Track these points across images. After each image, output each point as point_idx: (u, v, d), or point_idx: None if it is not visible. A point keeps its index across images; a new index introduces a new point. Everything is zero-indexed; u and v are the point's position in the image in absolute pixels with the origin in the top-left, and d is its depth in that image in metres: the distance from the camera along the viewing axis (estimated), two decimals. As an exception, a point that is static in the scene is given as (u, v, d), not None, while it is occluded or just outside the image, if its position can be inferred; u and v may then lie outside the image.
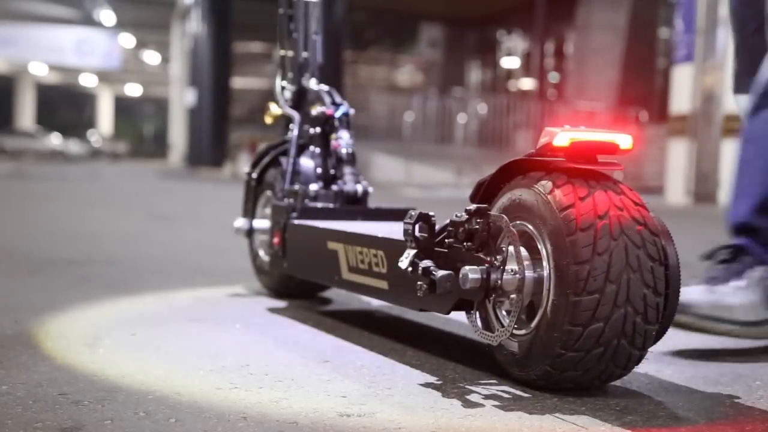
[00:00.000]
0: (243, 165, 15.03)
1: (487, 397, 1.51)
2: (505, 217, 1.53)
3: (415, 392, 1.53)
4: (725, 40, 9.62)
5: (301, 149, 2.51)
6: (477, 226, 1.56)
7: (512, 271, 1.51)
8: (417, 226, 1.65)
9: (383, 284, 1.84)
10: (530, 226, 1.52)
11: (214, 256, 3.78)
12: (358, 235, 1.95)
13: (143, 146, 50.97)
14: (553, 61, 19.59)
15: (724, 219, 2.10)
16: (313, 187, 2.42)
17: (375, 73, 25.67)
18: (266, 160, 2.62)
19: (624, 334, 1.45)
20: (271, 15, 2.88)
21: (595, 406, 1.47)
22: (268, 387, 1.54)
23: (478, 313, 1.62)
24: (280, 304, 2.47)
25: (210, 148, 21.87)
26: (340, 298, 2.61)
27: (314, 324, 2.18)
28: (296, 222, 2.28)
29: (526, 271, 1.51)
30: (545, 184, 1.50)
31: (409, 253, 1.65)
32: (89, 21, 37.12)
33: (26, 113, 46.09)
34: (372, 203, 2.46)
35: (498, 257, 1.54)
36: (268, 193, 2.60)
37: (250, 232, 2.60)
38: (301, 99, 2.58)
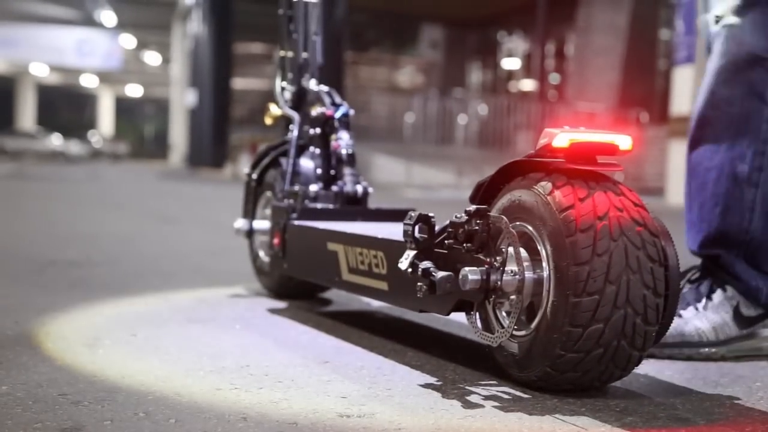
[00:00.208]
0: (243, 166, 15.03)
1: (487, 398, 1.51)
2: (504, 218, 1.53)
3: (415, 393, 1.53)
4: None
5: (301, 150, 2.51)
6: (477, 227, 1.56)
7: (512, 272, 1.51)
8: (417, 227, 1.65)
9: (383, 285, 1.84)
10: (530, 227, 1.52)
11: (214, 256, 3.78)
12: (358, 236, 1.95)
13: (144, 147, 51.01)
14: (554, 63, 19.60)
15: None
16: (313, 187, 2.42)
17: (375, 74, 25.68)
18: (266, 160, 2.62)
19: (624, 335, 1.45)
20: (271, 16, 2.88)
21: (595, 407, 1.47)
22: (268, 388, 1.54)
23: (477, 314, 1.62)
24: (280, 304, 2.47)
25: (210, 148, 21.88)
26: (340, 299, 2.61)
27: (314, 325, 2.18)
28: (296, 223, 2.28)
29: (525, 272, 1.51)
30: (545, 185, 1.50)
31: (409, 254, 1.65)
32: (90, 22, 37.14)
33: (27, 114, 46.12)
34: (372, 204, 2.46)
35: (498, 258, 1.54)
36: (268, 193, 2.60)
37: (250, 233, 2.60)
38: (300, 100, 2.58)
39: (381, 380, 1.62)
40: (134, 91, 53.00)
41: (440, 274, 1.58)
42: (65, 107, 52.63)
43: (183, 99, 28.24)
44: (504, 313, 1.58)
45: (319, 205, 2.38)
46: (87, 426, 1.29)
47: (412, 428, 1.33)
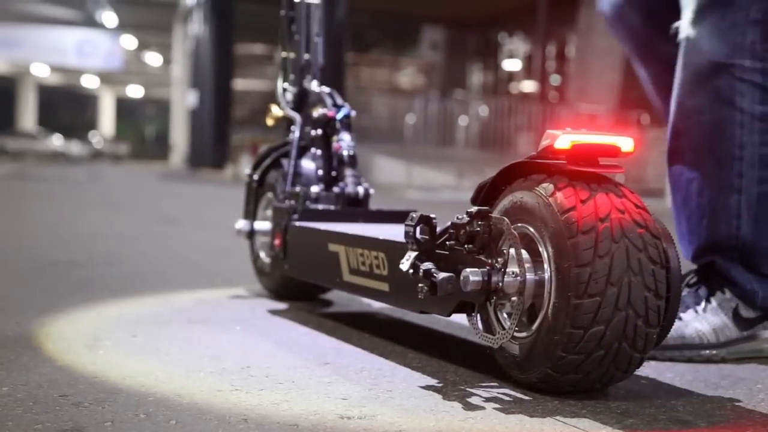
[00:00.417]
0: (244, 167, 15.03)
1: (488, 399, 1.51)
2: (506, 219, 1.53)
3: (416, 395, 1.53)
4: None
5: (303, 151, 2.51)
6: (478, 229, 1.56)
7: (513, 273, 1.51)
8: (418, 229, 1.65)
9: (384, 286, 1.83)
10: (531, 229, 1.52)
11: (215, 257, 3.78)
12: (359, 237, 1.95)
13: (145, 148, 51.01)
14: (555, 64, 19.60)
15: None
16: (314, 189, 2.42)
17: (376, 75, 25.69)
18: (267, 161, 2.62)
19: (625, 337, 1.45)
20: (272, 17, 2.88)
21: (596, 409, 1.47)
22: (269, 389, 1.54)
23: (479, 315, 1.62)
24: (281, 305, 2.47)
25: (211, 149, 21.89)
26: (340, 300, 2.60)
27: (315, 326, 2.18)
28: (297, 224, 2.28)
29: (527, 274, 1.51)
30: (546, 187, 1.50)
31: (410, 256, 1.65)
32: (91, 22, 37.15)
33: (28, 114, 46.14)
34: (373, 205, 2.46)
35: (499, 260, 1.54)
36: (270, 194, 2.60)
37: (251, 234, 2.60)
38: (302, 101, 2.58)
39: (382, 382, 1.62)
40: (135, 91, 53.02)
41: (441, 275, 1.58)
42: (66, 108, 52.66)
43: (184, 100, 28.25)
44: (505, 315, 1.58)
45: (320, 207, 2.38)
46: (88, 427, 1.29)
47: (413, 430, 1.33)
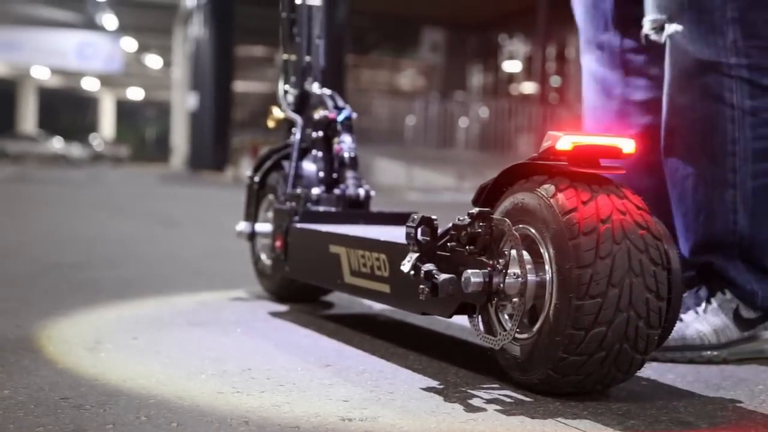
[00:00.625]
0: (245, 169, 15.05)
1: (489, 401, 1.51)
2: (507, 220, 1.53)
3: (417, 396, 1.53)
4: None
5: (304, 153, 2.51)
6: (479, 230, 1.56)
7: (515, 274, 1.51)
8: (419, 230, 1.65)
9: (385, 288, 1.83)
10: (533, 230, 1.52)
11: (216, 259, 3.78)
12: (361, 238, 1.95)
13: (145, 150, 51.03)
14: (555, 65, 19.60)
15: None
16: (316, 190, 2.42)
17: (377, 77, 25.71)
18: (268, 163, 2.62)
19: (626, 339, 1.45)
20: (273, 19, 2.88)
21: (597, 410, 1.47)
22: (270, 391, 1.54)
23: (480, 316, 1.62)
24: (282, 307, 2.47)
25: (212, 151, 21.90)
26: (341, 301, 2.60)
27: (316, 328, 2.18)
28: (298, 225, 2.28)
29: (528, 275, 1.51)
30: (548, 188, 1.50)
31: (412, 257, 1.65)
32: (91, 25, 37.18)
33: (28, 117, 46.17)
34: (374, 207, 2.46)
35: (500, 261, 1.54)
36: (271, 196, 2.60)
37: (252, 236, 2.60)
38: (303, 103, 2.58)
39: (383, 384, 1.61)
40: (135, 94, 53.05)
41: (443, 276, 1.58)
42: (66, 110, 52.68)
43: (184, 102, 28.26)
44: (506, 316, 1.58)
45: (321, 208, 2.38)
46: (89, 430, 1.29)
47: (414, 431, 1.33)
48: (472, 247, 1.57)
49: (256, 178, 2.63)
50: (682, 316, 1.92)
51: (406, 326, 2.29)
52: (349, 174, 2.44)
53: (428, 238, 1.65)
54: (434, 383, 1.63)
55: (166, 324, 2.20)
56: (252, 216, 2.64)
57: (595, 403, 1.51)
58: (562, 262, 1.45)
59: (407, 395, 1.53)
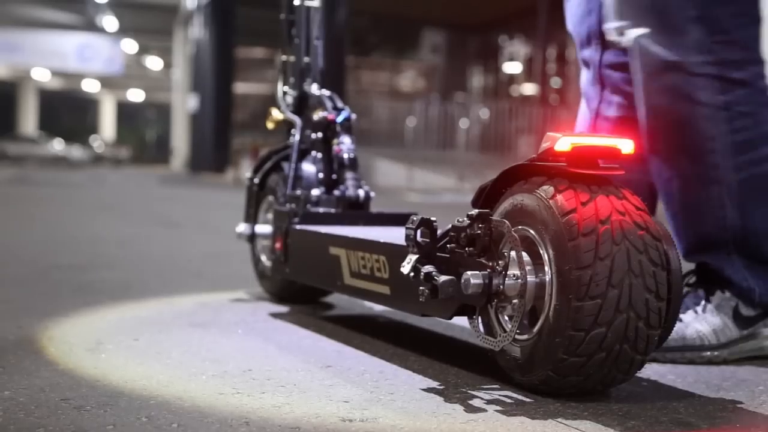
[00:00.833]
0: (245, 170, 15.04)
1: (489, 402, 1.51)
2: (506, 222, 1.53)
3: (418, 397, 1.53)
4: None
5: (303, 154, 2.51)
6: (479, 231, 1.56)
7: (514, 276, 1.51)
8: (419, 232, 1.65)
9: (385, 289, 1.84)
10: (532, 231, 1.52)
11: (216, 261, 3.78)
12: (360, 240, 1.95)
13: (145, 152, 51.01)
14: (556, 67, 19.60)
15: None
16: (315, 192, 2.42)
17: (377, 79, 25.72)
18: (268, 165, 2.62)
19: (626, 339, 1.45)
20: (273, 20, 2.89)
21: (598, 411, 1.47)
22: (271, 392, 1.54)
23: (480, 318, 1.62)
24: (282, 309, 2.47)
25: (212, 153, 21.91)
26: (342, 303, 2.61)
27: (316, 329, 2.18)
28: (298, 227, 2.28)
29: (528, 276, 1.51)
30: (547, 189, 1.50)
31: (411, 259, 1.65)
32: (92, 27, 37.20)
33: (29, 119, 46.18)
34: (374, 208, 2.46)
35: (500, 262, 1.54)
36: (270, 198, 2.60)
37: (252, 237, 2.60)
38: (302, 104, 2.59)
39: (383, 384, 1.62)
40: (136, 95, 53.06)
41: (442, 278, 1.58)
42: (67, 112, 52.68)
43: (185, 104, 28.28)
44: (506, 317, 1.58)
45: (320, 210, 2.38)
46: (89, 431, 1.29)
47: (415, 432, 1.33)
48: (471, 248, 1.57)
49: (256, 180, 2.63)
50: (682, 316, 1.92)
51: (407, 327, 2.29)
52: (349, 175, 2.44)
53: (428, 240, 1.65)
54: (435, 384, 1.63)
55: (167, 325, 2.20)
56: (252, 217, 2.64)
57: (596, 403, 1.51)
58: (562, 263, 1.45)
59: (408, 396, 1.53)
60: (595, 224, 1.43)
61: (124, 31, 37.33)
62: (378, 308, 2.49)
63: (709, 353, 1.91)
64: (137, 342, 1.96)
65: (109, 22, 35.72)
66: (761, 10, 1.96)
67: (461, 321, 1.71)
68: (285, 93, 2.62)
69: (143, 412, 1.39)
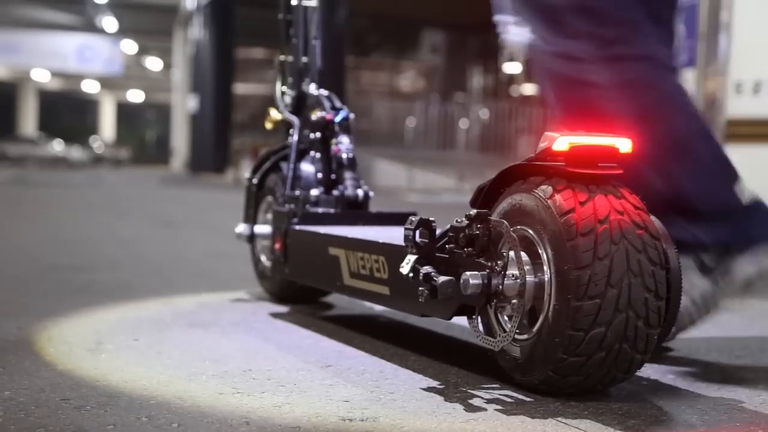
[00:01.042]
0: (245, 171, 15.03)
1: (489, 401, 1.51)
2: (505, 222, 1.53)
3: (418, 397, 1.53)
4: (727, 46, 9.61)
5: (302, 154, 2.51)
6: (478, 232, 1.56)
7: (513, 276, 1.52)
8: (418, 232, 1.65)
9: (385, 290, 1.84)
10: (531, 231, 1.52)
11: (216, 261, 3.78)
12: (360, 240, 1.95)
13: (145, 152, 50.96)
14: (555, 67, 19.55)
15: None
16: (314, 192, 2.42)
17: (377, 79, 25.72)
18: (267, 165, 2.62)
19: (626, 339, 1.45)
20: (273, 21, 2.89)
21: (598, 410, 1.47)
22: (271, 392, 1.54)
23: (479, 318, 1.62)
24: (282, 309, 2.48)
25: (212, 153, 21.90)
26: (341, 303, 2.61)
27: (316, 329, 2.18)
28: (297, 227, 2.28)
29: (527, 276, 1.51)
30: (545, 189, 1.50)
31: (410, 259, 1.65)
32: (91, 27, 37.16)
33: (28, 120, 46.15)
34: (373, 208, 2.46)
35: (499, 262, 1.54)
36: (270, 198, 2.60)
37: (251, 238, 2.60)
38: (300, 104, 2.59)
39: (383, 384, 1.62)
40: (136, 96, 53.02)
41: (441, 278, 1.58)
42: (67, 113, 52.61)
43: (184, 104, 28.25)
44: (506, 317, 1.58)
45: (320, 210, 2.38)
46: (90, 431, 1.29)
47: (414, 432, 1.33)
48: (470, 248, 1.57)
49: (255, 180, 2.63)
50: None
51: (407, 327, 2.29)
52: (348, 175, 2.44)
53: (427, 240, 1.65)
54: (435, 383, 1.63)
55: (167, 325, 2.20)
56: (251, 218, 2.64)
57: (596, 403, 1.51)
58: (561, 263, 1.45)
59: (408, 395, 1.54)
60: (593, 224, 1.44)
61: (123, 32, 37.30)
62: (378, 308, 2.49)
63: (694, 317, 1.89)
64: (137, 342, 1.96)
65: (109, 23, 35.69)
66: None
67: (461, 321, 1.71)
68: (283, 93, 2.62)
69: (143, 412, 1.39)
